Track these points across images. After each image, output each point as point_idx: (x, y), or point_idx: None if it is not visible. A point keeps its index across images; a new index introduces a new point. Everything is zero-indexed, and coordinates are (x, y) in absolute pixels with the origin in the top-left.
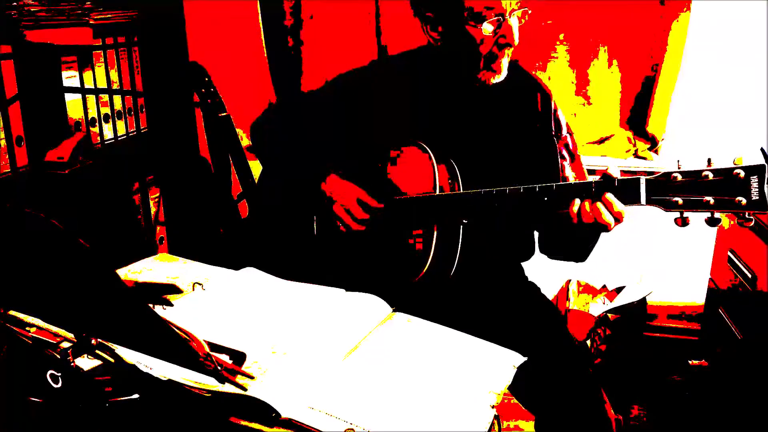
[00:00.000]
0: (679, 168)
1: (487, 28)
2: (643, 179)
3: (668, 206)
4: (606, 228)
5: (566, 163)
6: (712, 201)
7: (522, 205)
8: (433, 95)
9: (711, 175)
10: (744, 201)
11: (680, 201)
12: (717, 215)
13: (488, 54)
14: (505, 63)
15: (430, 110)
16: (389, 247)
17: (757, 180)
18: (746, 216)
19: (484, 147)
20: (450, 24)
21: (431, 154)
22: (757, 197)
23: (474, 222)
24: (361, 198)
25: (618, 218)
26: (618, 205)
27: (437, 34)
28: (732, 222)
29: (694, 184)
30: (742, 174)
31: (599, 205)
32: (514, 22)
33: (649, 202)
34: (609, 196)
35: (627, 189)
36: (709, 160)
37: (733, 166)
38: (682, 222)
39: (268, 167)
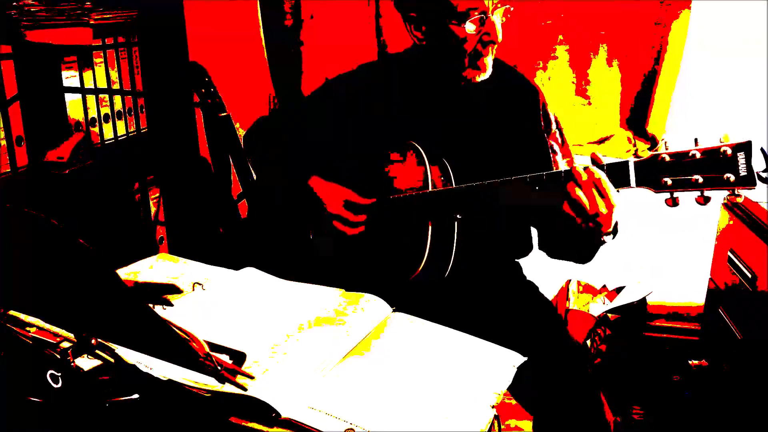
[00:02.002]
0: (666, 149)
1: (470, 26)
2: (631, 161)
3: (658, 187)
4: (598, 218)
5: (558, 158)
6: (700, 179)
7: (514, 197)
8: (422, 96)
9: (698, 154)
10: (732, 177)
11: (669, 181)
12: (707, 193)
13: (472, 52)
14: (489, 61)
15: (421, 111)
16: (385, 245)
17: (744, 156)
18: (735, 192)
19: (475, 146)
20: (433, 23)
21: (424, 155)
22: (745, 173)
23: (468, 217)
24: (348, 199)
25: (604, 197)
26: (606, 183)
27: (421, 33)
28: (731, 221)
29: (682, 164)
30: (729, 151)
31: (578, 191)
32: (496, 19)
33: (638, 183)
34: (596, 170)
35: (616, 172)
36: (696, 140)
37: (720, 144)
38: (673, 202)
39: (263, 174)
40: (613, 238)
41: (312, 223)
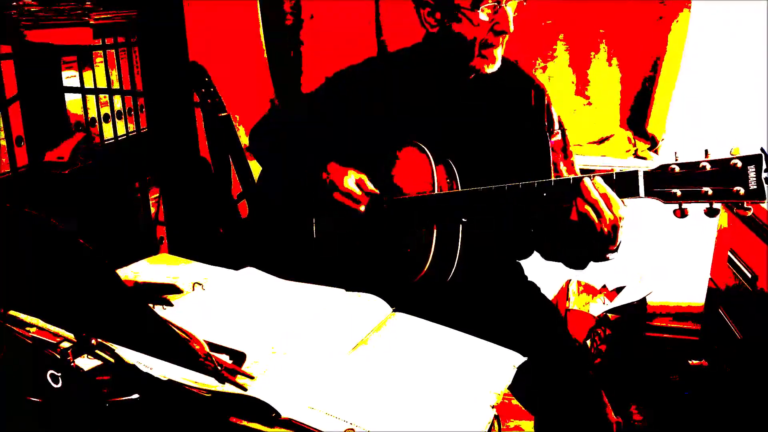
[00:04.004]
0: (676, 160)
1: (485, 13)
2: (641, 171)
3: (667, 198)
4: (605, 231)
5: (559, 159)
6: (710, 191)
7: (521, 202)
8: (427, 93)
9: (708, 166)
10: (742, 191)
11: (678, 192)
12: (716, 206)
13: (483, 41)
14: (499, 52)
15: (426, 108)
16: (389, 247)
17: (754, 169)
18: (744, 205)
19: (480, 144)
20: (447, 10)
21: (429, 155)
22: (755, 186)
23: (473, 220)
24: (360, 183)
25: (605, 202)
26: (614, 199)
27: (434, 20)
28: (731, 221)
29: (692, 175)
30: (740, 164)
31: (586, 206)
32: (509, 9)
33: (647, 194)
34: (605, 186)
35: (625, 182)
36: (706, 152)
37: (731, 156)
38: (681, 213)
39: (268, 171)
40: (616, 251)
41: (317, 216)
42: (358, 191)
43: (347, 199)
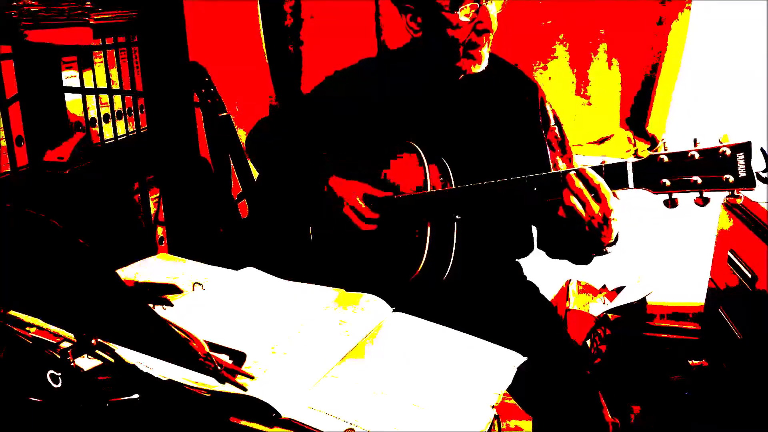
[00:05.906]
0: (665, 150)
1: (465, 13)
2: (630, 162)
3: (656, 188)
4: (594, 222)
5: (557, 155)
6: (699, 180)
7: (512, 197)
8: (420, 92)
9: (697, 155)
10: (732, 179)
11: (668, 182)
12: (706, 194)
13: (467, 41)
14: (485, 52)
15: (419, 108)
16: (385, 246)
17: (743, 157)
18: (735, 193)
19: (473, 143)
20: (428, 13)
21: (422, 154)
22: (745, 174)
23: (467, 218)
24: (367, 192)
25: (601, 202)
26: (605, 188)
27: (416, 25)
28: (731, 221)
29: (681, 165)
30: (729, 152)
31: (572, 198)
32: (491, 7)
33: (637, 185)
34: (595, 175)
35: (614, 173)
36: (695, 141)
37: (719, 144)
38: (671, 204)
39: (266, 175)
40: (614, 244)
41: (316, 222)
42: (368, 209)
43: (356, 216)
